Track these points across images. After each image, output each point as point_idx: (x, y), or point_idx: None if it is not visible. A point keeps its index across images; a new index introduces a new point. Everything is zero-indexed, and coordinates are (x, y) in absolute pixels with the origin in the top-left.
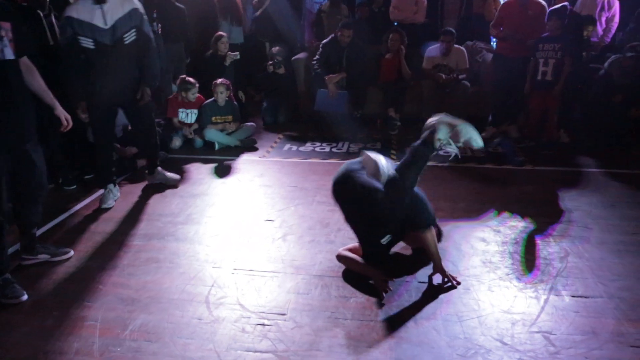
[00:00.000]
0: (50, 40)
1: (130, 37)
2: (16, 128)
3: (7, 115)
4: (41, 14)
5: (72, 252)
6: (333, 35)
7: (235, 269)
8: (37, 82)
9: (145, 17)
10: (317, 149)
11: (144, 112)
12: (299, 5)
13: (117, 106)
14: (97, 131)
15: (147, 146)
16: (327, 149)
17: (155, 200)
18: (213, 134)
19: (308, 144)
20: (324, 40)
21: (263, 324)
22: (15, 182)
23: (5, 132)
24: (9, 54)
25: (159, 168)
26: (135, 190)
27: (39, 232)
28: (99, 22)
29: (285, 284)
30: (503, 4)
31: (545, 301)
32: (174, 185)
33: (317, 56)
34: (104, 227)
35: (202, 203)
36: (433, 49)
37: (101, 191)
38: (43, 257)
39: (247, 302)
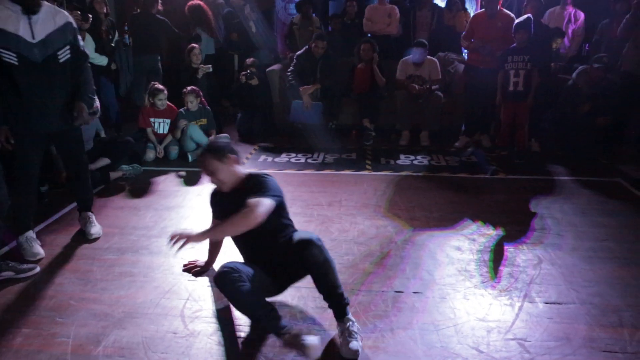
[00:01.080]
0: None
1: (64, 55)
2: None
3: None
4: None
5: (37, 268)
6: (307, 46)
7: (210, 282)
8: None
9: (77, 31)
10: (293, 160)
11: (76, 145)
12: (270, 16)
13: (46, 136)
14: (19, 165)
15: (77, 185)
16: (303, 160)
17: (128, 214)
18: (195, 131)
19: (283, 155)
20: (298, 52)
21: (239, 337)
22: None
23: None
24: None
25: (89, 214)
26: (108, 204)
27: (4, 250)
28: (25, 34)
29: None
30: (473, 16)
31: (520, 308)
32: (89, 238)
33: (291, 67)
34: (75, 241)
35: (177, 216)
36: (406, 59)
37: (71, 205)
38: (7, 274)
39: (223, 315)
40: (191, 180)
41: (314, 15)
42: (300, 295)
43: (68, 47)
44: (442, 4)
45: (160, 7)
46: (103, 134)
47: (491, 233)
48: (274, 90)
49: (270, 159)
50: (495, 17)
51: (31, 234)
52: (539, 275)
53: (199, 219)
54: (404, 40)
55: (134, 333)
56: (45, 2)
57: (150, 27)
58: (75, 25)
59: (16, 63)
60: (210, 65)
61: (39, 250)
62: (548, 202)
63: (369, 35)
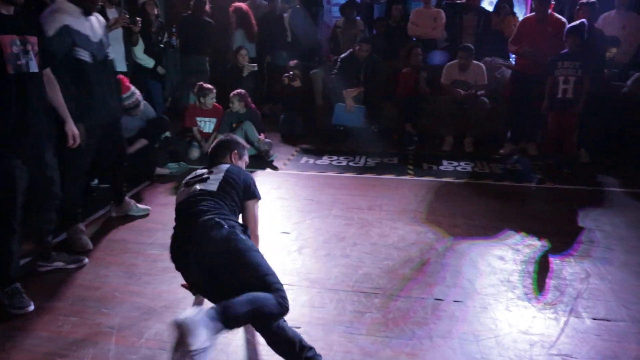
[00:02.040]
0: None
1: (110, 54)
2: (34, 137)
3: (26, 125)
4: None
5: (86, 260)
6: (351, 49)
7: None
8: (55, 95)
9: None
10: (334, 163)
11: (120, 135)
12: (316, 18)
13: (103, 128)
14: (79, 158)
15: (118, 173)
16: (344, 163)
17: (172, 210)
18: (248, 127)
19: (325, 157)
20: (342, 55)
21: None
22: (29, 190)
23: (23, 140)
24: (34, 67)
25: (127, 198)
26: (153, 200)
27: (56, 240)
28: (90, 34)
29: (300, 297)
30: (522, 20)
31: (565, 323)
32: (137, 220)
33: (334, 70)
34: (121, 235)
35: None
36: (451, 63)
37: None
38: (57, 264)
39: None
40: None
41: (357, 18)
42: (339, 298)
43: (110, 47)
44: (491, 8)
45: (208, 9)
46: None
47: (536, 244)
48: (316, 93)
49: (311, 161)
50: (545, 21)
51: (80, 226)
52: (587, 290)
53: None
54: (450, 45)
55: None
56: None
57: (199, 29)
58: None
59: (90, 61)
60: (255, 64)
61: (87, 242)
62: (597, 214)
63: (414, 39)
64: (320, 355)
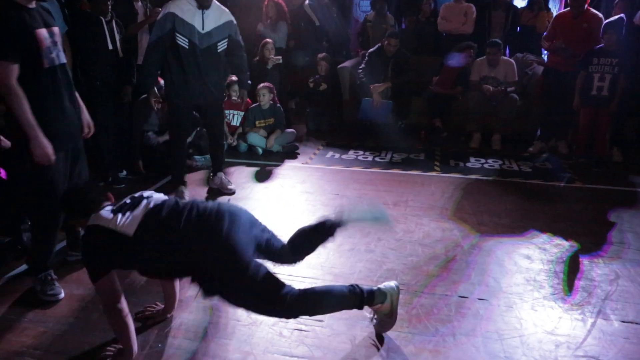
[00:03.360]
0: (110, 45)
1: (222, 45)
2: (67, 127)
3: (60, 115)
4: (103, 20)
5: None
6: (379, 44)
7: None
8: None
9: (237, 27)
10: (360, 158)
11: (218, 116)
12: (347, 13)
13: (195, 108)
14: (172, 130)
15: (214, 149)
16: (370, 158)
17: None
18: (254, 138)
19: (351, 152)
20: (370, 50)
21: (300, 330)
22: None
23: (60, 131)
24: (62, 58)
25: (221, 174)
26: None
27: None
28: (198, 25)
29: None
30: (556, 15)
31: (593, 325)
32: (229, 193)
33: (362, 65)
34: None
35: (244, 207)
36: (481, 59)
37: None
38: None
39: None
40: (259, 173)
41: (388, 13)
42: None
43: (226, 40)
44: (523, 3)
45: None
46: None
47: (564, 244)
48: (344, 88)
49: (337, 155)
50: (581, 17)
51: (182, 187)
52: (616, 292)
53: (265, 211)
54: (479, 40)
55: (200, 318)
56: (216, 2)
57: None
58: (235, 22)
59: (186, 47)
60: (280, 57)
61: (232, 186)
62: (629, 215)
63: (444, 34)
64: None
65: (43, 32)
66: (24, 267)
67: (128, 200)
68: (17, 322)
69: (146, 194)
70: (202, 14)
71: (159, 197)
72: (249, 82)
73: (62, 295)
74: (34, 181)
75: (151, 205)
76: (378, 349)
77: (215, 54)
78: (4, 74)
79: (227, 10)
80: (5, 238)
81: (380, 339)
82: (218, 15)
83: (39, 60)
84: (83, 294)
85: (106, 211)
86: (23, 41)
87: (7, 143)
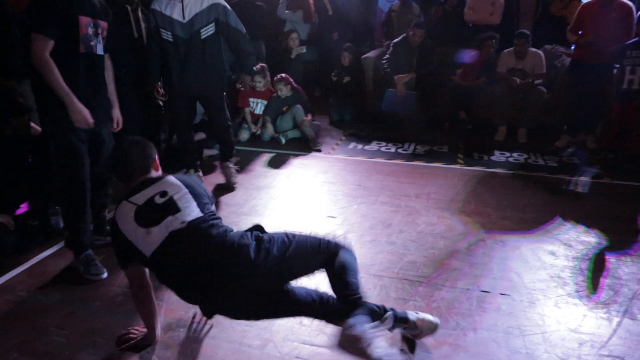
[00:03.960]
0: (135, 33)
1: (207, 32)
2: (98, 114)
3: (92, 101)
4: (129, 9)
5: None
6: (404, 34)
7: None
8: (110, 81)
9: (230, 10)
10: (383, 149)
11: (216, 108)
12: (371, 3)
13: (194, 98)
14: (173, 121)
15: (219, 140)
16: (393, 150)
17: (221, 190)
18: (281, 122)
19: (373, 143)
20: (395, 40)
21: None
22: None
23: (94, 114)
24: (100, 50)
25: (229, 164)
26: (206, 179)
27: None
28: (178, 16)
29: None
30: (582, 5)
31: (618, 324)
32: (231, 187)
33: (387, 55)
34: None
35: (266, 196)
36: (508, 51)
37: None
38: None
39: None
40: (282, 162)
41: (413, 2)
42: (383, 284)
43: (212, 25)
44: None
45: None
46: None
47: (590, 240)
48: (367, 78)
49: (360, 146)
50: (609, 6)
51: (192, 170)
52: None
53: (286, 200)
54: (506, 30)
55: None
56: None
57: (251, 13)
58: (224, 4)
59: (170, 40)
60: (304, 47)
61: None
62: None
63: (470, 24)
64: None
65: (87, 19)
66: (52, 249)
67: (158, 199)
68: (46, 302)
69: (175, 193)
70: (182, 2)
71: (189, 208)
72: (260, 66)
73: (105, 274)
74: (61, 161)
75: (176, 226)
76: (404, 347)
77: (199, 41)
78: (39, 47)
79: None
80: (34, 221)
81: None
82: (199, 2)
83: (76, 43)
84: (108, 277)
85: (130, 209)
86: (63, 22)
87: (37, 129)
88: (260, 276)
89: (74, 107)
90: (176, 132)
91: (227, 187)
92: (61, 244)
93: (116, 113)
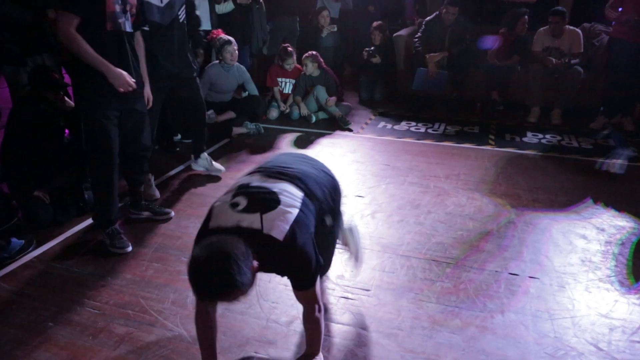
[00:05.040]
0: None
1: (182, 14)
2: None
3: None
4: None
5: (172, 213)
6: (437, 12)
7: None
8: (141, 57)
9: None
10: (412, 129)
11: (194, 92)
12: None
13: (169, 85)
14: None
15: (195, 127)
16: (422, 130)
17: (249, 167)
18: (308, 102)
19: (403, 123)
20: (427, 18)
21: (347, 298)
22: (123, 141)
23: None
24: (129, 27)
25: (205, 154)
26: (231, 158)
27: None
28: (156, 1)
29: (371, 261)
30: None
31: None
32: (217, 176)
33: (418, 34)
34: (201, 189)
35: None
36: (544, 29)
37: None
38: (146, 214)
39: (332, 274)
40: (310, 141)
41: None
42: (410, 264)
43: (184, 7)
44: None
45: None
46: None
47: (624, 224)
48: (398, 57)
49: (389, 126)
50: None
51: (205, 155)
52: None
53: None
54: (546, 8)
55: None
56: None
57: None
58: None
59: (146, 28)
60: (335, 25)
61: (154, 191)
62: None
63: (506, 2)
64: None
65: None
66: (86, 223)
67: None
68: (79, 275)
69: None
70: None
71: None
72: (288, 47)
73: (130, 248)
74: (89, 140)
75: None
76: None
77: (179, 25)
78: (65, 24)
79: None
80: (68, 195)
81: None
82: None
83: (103, 21)
84: (138, 251)
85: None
86: None
87: (70, 103)
88: None
89: (112, 72)
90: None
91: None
92: None
93: (147, 91)
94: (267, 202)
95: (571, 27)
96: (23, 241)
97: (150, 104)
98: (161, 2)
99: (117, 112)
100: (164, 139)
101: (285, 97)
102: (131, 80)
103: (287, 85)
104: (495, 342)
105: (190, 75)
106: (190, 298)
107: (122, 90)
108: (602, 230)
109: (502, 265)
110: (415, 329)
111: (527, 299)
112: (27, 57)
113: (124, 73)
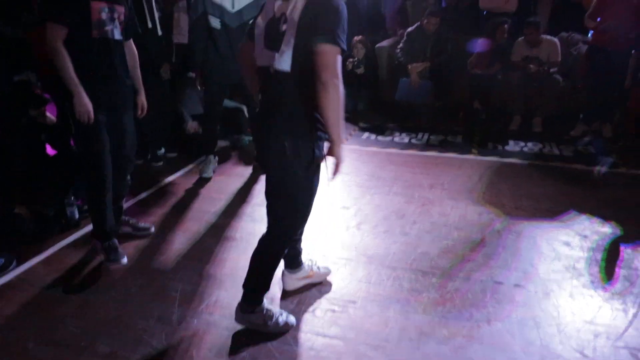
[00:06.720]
0: (149, 23)
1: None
2: (115, 100)
3: (109, 88)
4: None
5: (153, 229)
6: (419, 23)
7: (308, 253)
8: (134, 67)
9: None
10: (396, 139)
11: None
12: None
13: (228, 86)
14: (208, 104)
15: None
16: (406, 140)
17: (236, 181)
18: None
19: (387, 133)
20: (409, 29)
21: (333, 310)
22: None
23: (107, 102)
24: (118, 35)
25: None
26: (219, 170)
27: (126, 205)
28: (227, 4)
29: (357, 272)
30: None
31: (635, 315)
32: (200, 191)
33: (400, 44)
34: (186, 203)
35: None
36: (521, 39)
37: (185, 169)
38: (126, 229)
39: (319, 286)
40: None
41: None
42: (396, 275)
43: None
44: None
45: None
46: None
47: (606, 231)
48: (381, 68)
49: (373, 137)
50: None
51: (212, 157)
52: None
53: None
54: (524, 18)
55: (234, 294)
56: None
57: None
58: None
59: (219, 27)
60: None
61: (210, 172)
62: None
63: (485, 12)
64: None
65: (100, 4)
66: (68, 239)
67: (282, 25)
68: (61, 292)
69: (290, 25)
70: None
71: (285, 54)
72: None
73: (125, 259)
74: (81, 147)
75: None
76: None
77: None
78: (53, 36)
79: None
80: (51, 211)
81: None
82: None
83: (88, 29)
84: (122, 267)
85: (270, 9)
86: (74, 8)
87: (52, 119)
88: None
89: (79, 99)
90: (208, 120)
91: (242, 177)
92: (76, 235)
93: (141, 99)
94: None
95: (548, 37)
96: (3, 260)
97: (145, 111)
98: (233, 7)
99: (105, 118)
100: (147, 152)
101: None
102: (91, 116)
103: None
104: (482, 352)
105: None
106: (175, 314)
107: (78, 117)
108: (585, 236)
109: (488, 274)
110: (403, 340)
111: (513, 307)
112: (15, 74)
113: (89, 105)
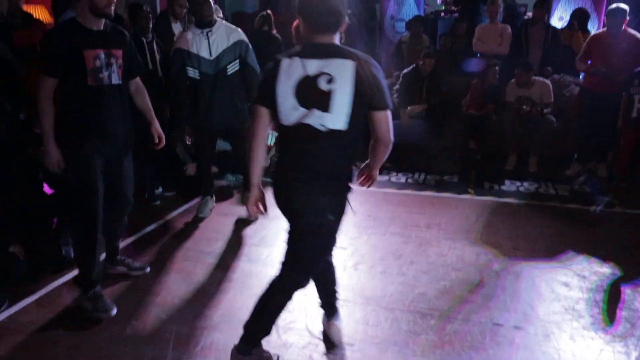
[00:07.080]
0: (150, 64)
1: (233, 67)
2: (112, 143)
3: (105, 132)
4: (144, 41)
5: (148, 269)
6: (414, 64)
7: (305, 294)
8: (144, 101)
9: (250, 48)
10: (393, 179)
11: (242, 142)
12: (374, 35)
13: (219, 132)
14: (199, 153)
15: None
16: (403, 180)
17: (232, 221)
18: None
19: (383, 174)
20: (405, 70)
21: (330, 353)
22: (105, 195)
23: (103, 146)
24: (115, 80)
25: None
26: (214, 210)
27: (122, 244)
28: (205, 53)
29: (354, 314)
30: (593, 36)
31: (637, 359)
32: (195, 233)
33: (396, 86)
34: (181, 243)
35: (276, 226)
36: (513, 83)
37: (182, 208)
38: (121, 269)
39: (316, 328)
40: None
41: (423, 34)
42: (394, 317)
43: (237, 61)
44: (559, 24)
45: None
46: None
47: (605, 271)
48: None
49: None
50: (618, 37)
51: (209, 197)
52: None
53: None
54: (517, 60)
55: (229, 337)
56: (224, 22)
57: (265, 45)
58: (247, 41)
59: (198, 77)
60: None
61: (207, 212)
62: None
63: (478, 55)
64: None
65: (94, 53)
66: (62, 279)
67: (322, 83)
68: (54, 334)
69: (339, 86)
70: (208, 39)
71: (338, 114)
72: None
73: (115, 310)
74: (73, 196)
75: (315, 123)
76: None
77: (225, 77)
78: (43, 87)
79: (238, 29)
80: (45, 251)
81: None
82: (226, 37)
83: (84, 77)
84: (116, 308)
85: (298, 71)
86: (66, 59)
87: None
88: None
89: (49, 151)
90: (200, 163)
91: (242, 218)
92: (71, 275)
93: (156, 129)
94: None
95: (541, 79)
96: None
97: (163, 142)
98: (210, 55)
99: (102, 161)
100: (144, 191)
101: (268, 149)
102: (60, 167)
103: (269, 137)
104: None
105: (233, 123)
106: (169, 356)
107: (47, 167)
108: (583, 277)
109: (487, 316)
110: None
111: (513, 350)
112: (20, 112)
113: (57, 157)
